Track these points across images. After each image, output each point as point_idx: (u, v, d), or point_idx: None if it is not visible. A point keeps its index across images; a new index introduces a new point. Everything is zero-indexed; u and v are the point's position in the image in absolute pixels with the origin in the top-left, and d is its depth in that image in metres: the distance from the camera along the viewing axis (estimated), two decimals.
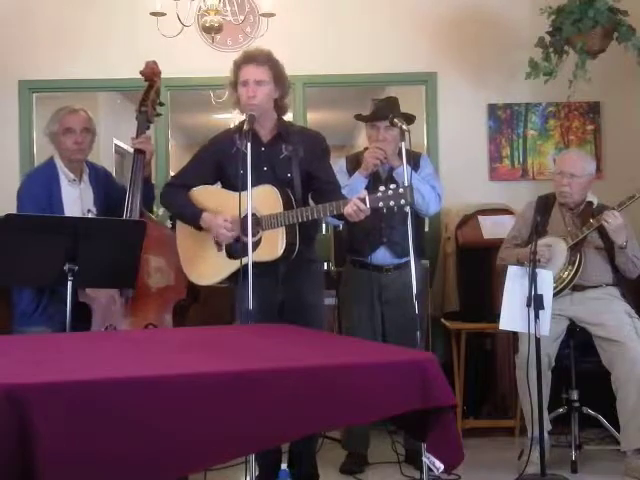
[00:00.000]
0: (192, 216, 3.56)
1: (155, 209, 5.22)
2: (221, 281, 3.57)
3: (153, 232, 3.69)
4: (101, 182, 3.97)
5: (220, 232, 3.46)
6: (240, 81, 3.47)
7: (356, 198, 3.17)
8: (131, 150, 4.00)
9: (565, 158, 4.20)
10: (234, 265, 3.44)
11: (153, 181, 4.24)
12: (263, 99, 3.45)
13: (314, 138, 3.64)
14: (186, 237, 3.65)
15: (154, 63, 4.03)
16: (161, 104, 4.10)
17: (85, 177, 3.90)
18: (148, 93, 3.98)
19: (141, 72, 4.01)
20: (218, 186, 3.67)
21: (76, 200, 3.82)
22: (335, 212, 3.25)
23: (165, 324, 3.73)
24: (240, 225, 3.37)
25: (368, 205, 3.14)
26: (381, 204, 3.11)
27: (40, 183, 3.82)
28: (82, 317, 3.57)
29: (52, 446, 1.60)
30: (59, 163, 3.86)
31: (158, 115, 4.09)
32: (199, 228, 3.55)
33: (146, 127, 3.99)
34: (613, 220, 3.87)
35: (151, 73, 4.01)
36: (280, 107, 3.57)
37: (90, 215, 3.80)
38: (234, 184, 3.41)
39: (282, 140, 3.53)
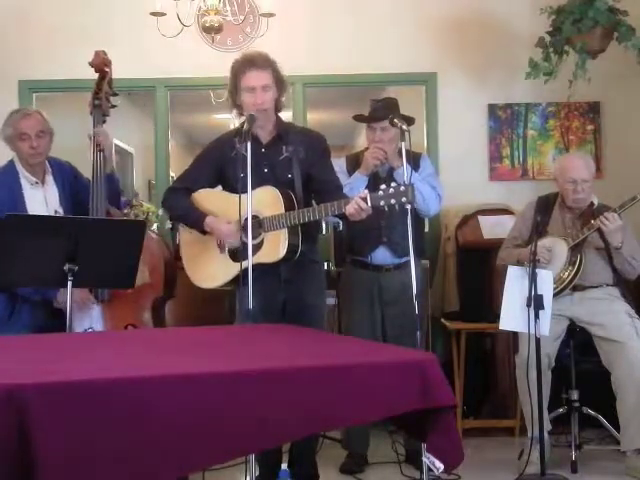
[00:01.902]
0: (195, 220, 3.56)
1: (155, 209, 5.23)
2: (225, 284, 3.57)
3: None
4: (67, 179, 3.85)
5: (224, 236, 3.46)
6: (245, 87, 3.44)
7: (358, 197, 3.17)
8: (130, 149, 3.99)
9: (572, 165, 4.12)
10: (237, 267, 3.43)
11: (153, 181, 4.23)
12: (270, 103, 3.45)
13: (315, 139, 3.63)
14: (189, 240, 3.65)
15: (104, 53, 3.92)
16: (114, 94, 3.96)
17: (48, 178, 3.79)
18: (100, 85, 3.86)
19: (90, 63, 3.90)
20: (219, 188, 3.67)
21: (40, 202, 3.73)
22: (337, 212, 3.25)
23: (144, 323, 3.71)
24: (241, 227, 3.37)
25: (369, 204, 3.14)
26: (382, 202, 3.11)
27: (1, 188, 3.70)
28: (58, 322, 3.53)
29: (52, 446, 1.60)
30: (19, 166, 3.75)
31: (113, 107, 3.95)
32: (203, 232, 3.55)
33: (102, 121, 3.86)
34: (611, 222, 3.87)
35: (101, 63, 3.89)
36: (277, 105, 3.57)
37: (55, 215, 3.69)
38: (235, 187, 3.41)
39: (282, 141, 3.53)
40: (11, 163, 3.80)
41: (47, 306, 3.61)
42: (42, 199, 3.75)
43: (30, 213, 3.66)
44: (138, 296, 3.71)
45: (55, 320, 3.54)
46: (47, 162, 3.82)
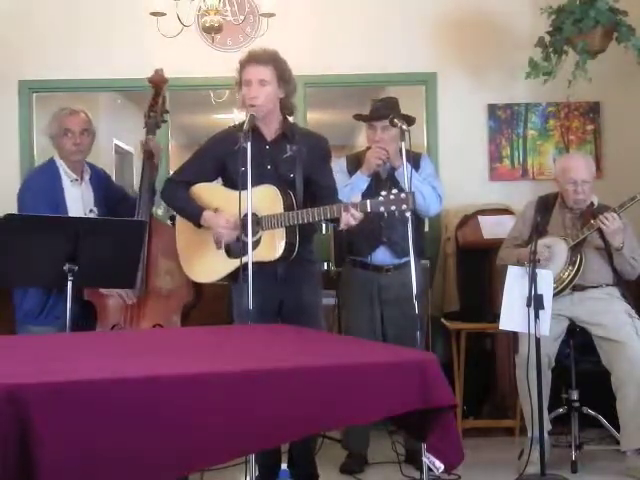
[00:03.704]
0: (193, 213, 3.57)
1: (154, 209, 5.23)
2: (219, 280, 3.57)
3: (165, 235, 3.75)
4: (101, 183, 4.00)
5: (221, 232, 3.46)
6: (243, 80, 3.47)
7: (350, 205, 3.19)
8: (131, 150, 4.04)
9: (572, 166, 4.11)
10: (233, 264, 3.44)
11: None
12: (266, 99, 3.44)
13: (318, 141, 3.64)
14: (186, 234, 3.65)
15: (162, 71, 4.09)
16: (166, 111, 4.16)
17: (86, 177, 3.92)
18: (157, 100, 4.05)
19: (149, 79, 4.08)
20: (218, 183, 3.68)
21: (78, 200, 3.84)
22: (336, 215, 3.25)
23: (172, 325, 3.75)
24: (240, 224, 3.37)
25: (369, 209, 3.16)
26: (382, 209, 3.14)
27: (44, 181, 3.84)
28: (88, 316, 3.58)
29: (52, 446, 1.60)
30: (60, 162, 3.88)
31: (164, 122, 4.16)
32: (199, 225, 3.55)
33: (154, 132, 4.04)
34: (611, 223, 3.87)
35: (159, 81, 4.07)
36: (286, 107, 3.57)
37: (92, 215, 3.82)
38: (235, 182, 3.42)
39: (287, 140, 3.53)
40: (52, 160, 3.92)
41: (79, 300, 3.64)
42: (79, 196, 3.87)
43: (69, 209, 3.78)
44: (170, 299, 3.77)
45: (87, 314, 3.65)
46: (85, 163, 3.95)
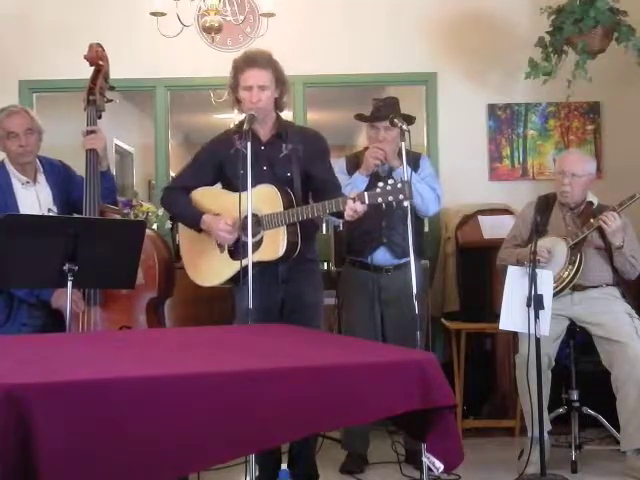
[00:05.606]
0: (192, 219, 3.57)
1: (155, 209, 5.22)
2: (224, 282, 3.57)
3: None
4: (59, 178, 3.83)
5: (220, 235, 3.46)
6: (243, 85, 3.45)
7: (349, 199, 3.18)
8: (130, 149, 3.97)
9: (566, 158, 4.20)
10: (237, 266, 3.44)
11: (153, 181, 4.22)
12: (266, 102, 3.46)
13: (314, 138, 3.64)
14: (189, 239, 3.65)
15: (98, 46, 3.82)
16: (112, 88, 3.87)
17: (40, 177, 3.77)
18: (96, 79, 3.77)
19: (85, 57, 3.81)
20: (218, 187, 3.67)
21: (33, 202, 3.71)
22: (334, 209, 3.25)
23: (139, 325, 3.68)
24: (241, 226, 3.37)
25: (367, 201, 3.15)
26: (380, 200, 3.12)
27: None
28: (57, 323, 3.53)
29: (52, 446, 1.60)
30: (10, 167, 3.73)
31: (109, 101, 3.87)
32: (200, 230, 3.55)
33: (98, 117, 3.79)
34: (611, 222, 3.87)
35: (96, 57, 3.80)
36: (279, 106, 3.58)
37: (51, 214, 3.68)
38: (234, 184, 3.42)
39: (281, 139, 3.54)
40: (2, 165, 3.78)
41: (45, 307, 3.61)
42: (34, 198, 3.74)
43: (21, 213, 3.63)
44: (132, 298, 3.67)
45: (54, 320, 3.55)
46: (38, 161, 3.80)
